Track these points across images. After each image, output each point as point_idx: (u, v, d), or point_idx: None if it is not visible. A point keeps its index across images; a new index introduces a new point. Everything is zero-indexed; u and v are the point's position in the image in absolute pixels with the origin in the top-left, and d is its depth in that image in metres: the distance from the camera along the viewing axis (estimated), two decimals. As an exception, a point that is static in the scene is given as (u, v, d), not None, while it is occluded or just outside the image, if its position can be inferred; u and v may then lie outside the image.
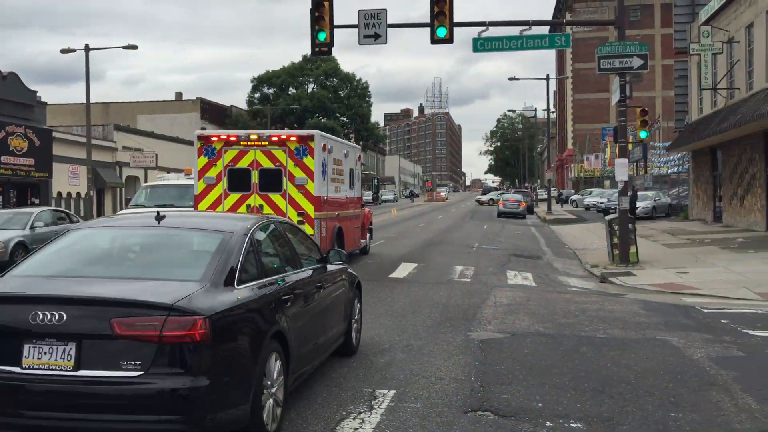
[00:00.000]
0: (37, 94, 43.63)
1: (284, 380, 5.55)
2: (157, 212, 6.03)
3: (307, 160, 15.21)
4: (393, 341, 9.36)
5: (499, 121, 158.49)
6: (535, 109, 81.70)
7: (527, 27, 19.29)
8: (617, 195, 20.48)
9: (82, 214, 46.14)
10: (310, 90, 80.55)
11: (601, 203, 47.69)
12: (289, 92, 79.56)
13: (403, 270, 17.50)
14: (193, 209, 16.09)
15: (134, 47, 34.50)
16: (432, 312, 11.65)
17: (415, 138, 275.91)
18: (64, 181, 45.59)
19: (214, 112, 71.42)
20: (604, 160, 70.81)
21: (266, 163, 15.31)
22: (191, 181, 22.18)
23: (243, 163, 15.36)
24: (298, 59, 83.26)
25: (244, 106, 79.39)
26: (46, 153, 41.69)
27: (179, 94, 73.59)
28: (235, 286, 5.09)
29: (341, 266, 7.70)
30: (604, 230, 21.01)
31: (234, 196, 15.38)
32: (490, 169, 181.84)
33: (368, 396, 6.78)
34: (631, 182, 36.19)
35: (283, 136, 15.52)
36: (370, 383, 7.24)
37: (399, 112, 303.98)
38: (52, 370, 4.42)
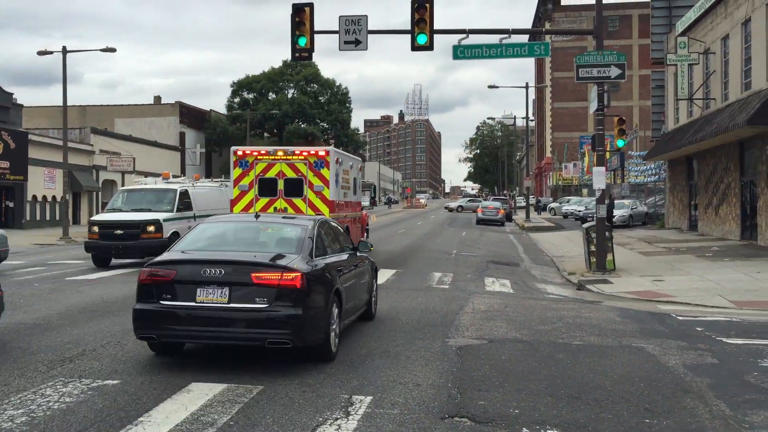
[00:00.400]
0: (13, 96, 43.09)
1: (338, 323, 8.67)
2: (256, 213, 9.59)
3: (324, 171, 18.95)
4: (371, 347, 9.33)
5: (478, 128, 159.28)
6: (514, 117, 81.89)
7: (507, 35, 19.42)
8: (594, 203, 20.66)
9: (57, 217, 45.57)
10: (290, 95, 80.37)
11: (579, 211, 48.06)
12: (269, 97, 79.32)
13: (382, 276, 17.49)
14: (170, 213, 20.55)
15: (112, 50, 34.22)
16: (410, 318, 11.64)
17: (395, 144, 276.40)
18: (40, 184, 45.01)
19: (192, 117, 71.01)
20: (582, 168, 71.35)
21: (290, 174, 19.02)
22: (169, 186, 22.13)
23: (271, 174, 19.09)
24: (278, 64, 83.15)
25: (223, 110, 79.01)
26: (21, 156, 41.16)
27: (158, 98, 73.08)
28: (313, 258, 8.33)
29: (366, 254, 10.91)
30: (582, 238, 21.16)
31: (263, 200, 19.04)
32: (470, 177, 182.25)
33: (345, 402, 6.76)
34: (608, 191, 36.44)
35: (305, 152, 19.04)
36: (347, 389, 7.22)
37: (379, 118, 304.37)
38: (213, 303, 7.56)
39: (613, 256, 19.73)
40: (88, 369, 8.01)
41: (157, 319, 7.69)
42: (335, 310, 8.50)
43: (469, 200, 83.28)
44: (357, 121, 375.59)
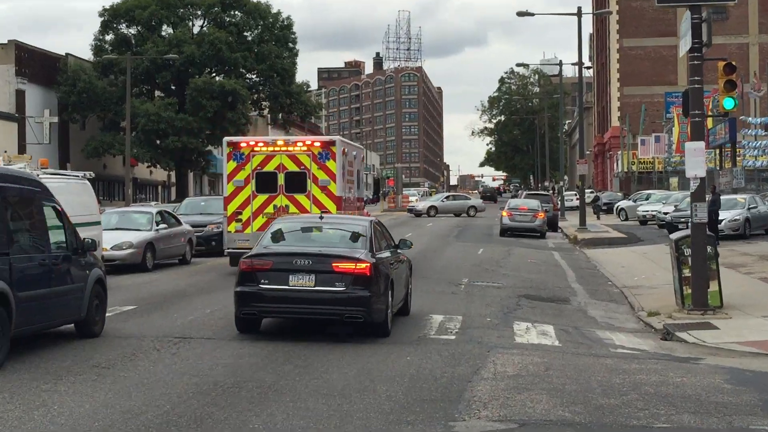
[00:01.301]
0: None
1: (391, 307, 16.03)
2: (320, 215, 18.19)
3: (330, 164, 25.57)
4: (328, 437, 9.34)
5: (502, 81, 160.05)
6: (560, 63, 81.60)
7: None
8: (689, 201, 20.77)
9: None
10: (196, 30, 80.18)
11: (665, 214, 48.29)
12: (163, 33, 79.03)
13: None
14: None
15: None
16: (393, 389, 11.71)
17: (369, 109, 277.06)
18: None
19: (38, 65, 70.55)
20: (668, 144, 71.96)
21: (291, 167, 25.68)
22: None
23: (270, 167, 25.75)
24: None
25: (88, 54, 78.62)
26: None
27: (-20, 35, 72.53)
28: (374, 252, 15.77)
29: (403, 251, 18.57)
30: (669, 256, 21.26)
31: (262, 197, 25.86)
32: (489, 159, 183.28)
33: None
34: (710, 180, 36.72)
35: (308, 142, 26.24)
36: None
37: (342, 66, 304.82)
38: (302, 287, 15.10)
39: (720, 284, 19.85)
40: None
41: (257, 298, 15.17)
42: (390, 297, 15.92)
43: (447, 197, 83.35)
44: (306, 71, 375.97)
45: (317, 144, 25.87)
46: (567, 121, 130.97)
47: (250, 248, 17.42)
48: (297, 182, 25.69)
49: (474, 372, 12.92)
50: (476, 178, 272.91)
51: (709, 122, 51.13)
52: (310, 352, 14.10)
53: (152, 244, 28.73)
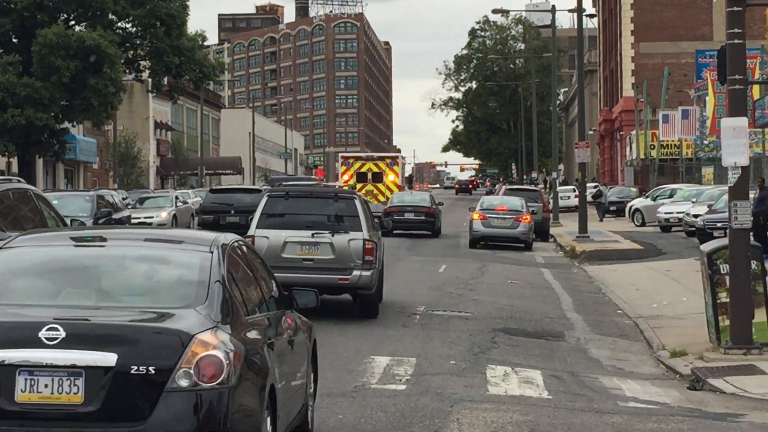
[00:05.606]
0: None
1: (439, 227, 63.49)
2: (411, 192, 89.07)
3: (396, 168, 76.59)
4: None
5: (474, 34, 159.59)
6: (553, 9, 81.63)
7: None
8: (726, 200, 20.86)
9: None
10: (47, -41, 79.55)
11: (695, 217, 48.58)
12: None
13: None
14: None
15: None
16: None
17: (289, 71, 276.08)
18: None
19: None
20: (701, 120, 72.13)
21: (375, 169, 75.94)
22: None
23: (363, 169, 76.28)
24: None
25: None
26: None
27: None
28: (433, 205, 63.30)
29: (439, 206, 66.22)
30: (701, 275, 21.37)
31: (359, 185, 71.25)
32: (456, 142, 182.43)
33: None
34: (758, 171, 36.91)
35: (384, 155, 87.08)
36: None
37: (252, 12, 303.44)
38: (409, 217, 61.14)
39: (768, 313, 19.99)
40: None
41: (394, 221, 49.20)
42: (440, 222, 60.95)
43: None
44: (203, 19, 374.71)
45: (389, 157, 76.08)
46: (563, 90, 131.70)
47: None
48: (378, 177, 69.35)
49: (430, 436, 12.93)
50: (438, 168, 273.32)
51: (756, 91, 51.60)
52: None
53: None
